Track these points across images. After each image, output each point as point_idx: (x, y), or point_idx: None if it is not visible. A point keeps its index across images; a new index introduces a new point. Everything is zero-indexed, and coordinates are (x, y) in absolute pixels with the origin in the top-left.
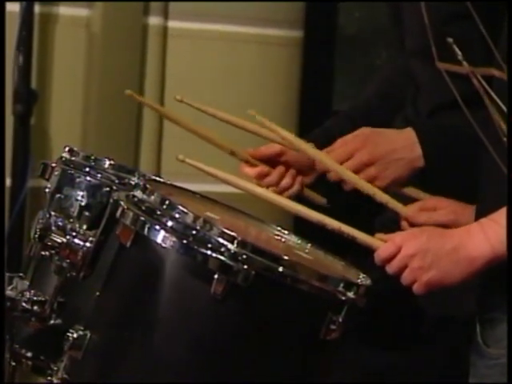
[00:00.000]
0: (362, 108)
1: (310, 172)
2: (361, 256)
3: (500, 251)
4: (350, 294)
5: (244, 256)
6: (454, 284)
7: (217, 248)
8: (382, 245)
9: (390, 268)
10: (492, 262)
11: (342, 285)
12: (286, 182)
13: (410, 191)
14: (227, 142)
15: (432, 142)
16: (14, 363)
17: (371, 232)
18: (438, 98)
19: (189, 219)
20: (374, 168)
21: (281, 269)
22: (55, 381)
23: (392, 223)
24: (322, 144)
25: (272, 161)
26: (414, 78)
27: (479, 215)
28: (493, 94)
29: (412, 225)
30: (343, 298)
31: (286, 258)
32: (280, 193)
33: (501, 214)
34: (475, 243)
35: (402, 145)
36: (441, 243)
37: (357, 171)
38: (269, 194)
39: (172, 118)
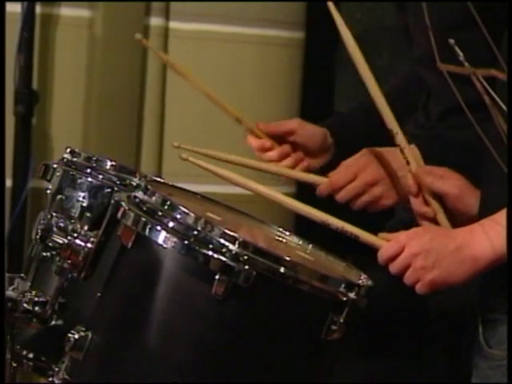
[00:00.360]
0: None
1: (319, 156)
2: (362, 257)
3: (501, 252)
4: (352, 295)
5: (245, 257)
6: (458, 284)
7: (218, 249)
8: (385, 244)
9: (393, 267)
10: (494, 263)
11: (343, 285)
12: (287, 162)
13: None
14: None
15: (436, 159)
16: (15, 364)
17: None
18: (448, 103)
19: (190, 220)
20: (378, 187)
21: (282, 269)
22: (56, 381)
23: (403, 226)
24: (336, 132)
25: (280, 138)
26: (424, 83)
27: (482, 216)
28: (494, 94)
29: (416, 182)
30: (344, 299)
31: (287, 258)
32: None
33: (502, 215)
34: (478, 243)
35: (405, 162)
36: (444, 243)
37: (361, 192)
38: (272, 193)
39: (181, 71)
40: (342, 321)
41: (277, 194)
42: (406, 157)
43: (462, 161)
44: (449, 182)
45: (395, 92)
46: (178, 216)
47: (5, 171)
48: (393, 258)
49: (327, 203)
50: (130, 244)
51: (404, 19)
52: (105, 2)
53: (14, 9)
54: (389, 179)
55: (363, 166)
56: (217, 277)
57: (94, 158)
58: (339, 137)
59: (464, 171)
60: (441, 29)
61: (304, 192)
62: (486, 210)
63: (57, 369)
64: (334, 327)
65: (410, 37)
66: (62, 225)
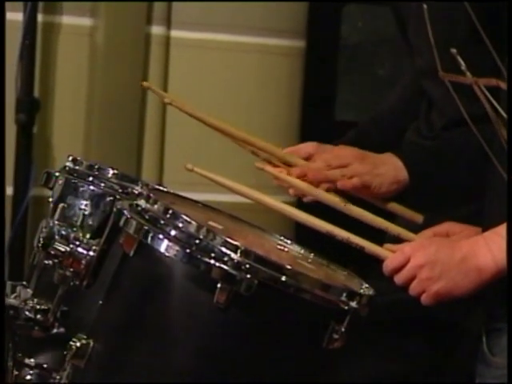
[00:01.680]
0: (378, 123)
1: None
2: (364, 266)
3: (502, 264)
4: (353, 304)
5: (247, 265)
6: (463, 295)
7: (220, 257)
8: (391, 255)
9: (399, 278)
10: (497, 275)
11: (344, 294)
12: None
13: (394, 207)
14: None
15: (412, 158)
16: (16, 372)
17: (380, 242)
18: (452, 115)
19: (192, 228)
20: (359, 165)
21: (284, 278)
22: None
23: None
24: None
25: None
26: (426, 94)
27: (486, 228)
28: (496, 104)
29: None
30: (346, 308)
31: (288, 267)
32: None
33: (504, 227)
34: (481, 255)
35: (385, 157)
36: (450, 254)
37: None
38: (276, 204)
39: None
40: (343, 329)
41: (281, 205)
42: (406, 239)
43: (439, 160)
44: (456, 237)
45: (399, 107)
46: (180, 224)
47: (5, 180)
48: (398, 269)
49: (329, 213)
50: (132, 252)
51: (406, 33)
52: (106, 10)
53: (15, 17)
54: (370, 162)
55: (341, 149)
56: (218, 285)
57: (96, 167)
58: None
59: (443, 169)
60: (445, 42)
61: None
62: (490, 222)
63: (58, 377)
64: (335, 336)
65: (411, 48)
66: (64, 233)
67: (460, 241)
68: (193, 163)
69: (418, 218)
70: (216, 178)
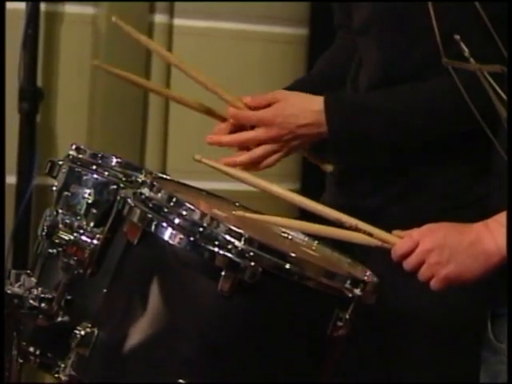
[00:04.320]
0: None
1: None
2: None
3: (505, 252)
4: (357, 291)
5: (251, 253)
6: (472, 279)
7: (224, 245)
8: (399, 241)
9: (408, 264)
10: (501, 262)
11: (348, 282)
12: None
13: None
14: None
15: (336, 111)
16: (21, 360)
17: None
18: (376, 76)
19: (196, 216)
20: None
21: (288, 266)
22: (62, 378)
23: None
24: None
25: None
26: (357, 54)
27: (492, 214)
28: (500, 90)
29: None
30: (350, 295)
31: (293, 254)
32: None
33: (504, 215)
34: (486, 242)
35: (303, 112)
36: (458, 238)
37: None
38: (285, 193)
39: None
40: (347, 317)
41: (290, 194)
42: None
43: (365, 117)
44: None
45: (326, 72)
46: (184, 212)
47: (5, 169)
48: (407, 255)
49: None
50: (135, 240)
51: None
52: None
53: (18, 6)
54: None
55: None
56: (223, 273)
57: (100, 155)
58: None
59: (366, 128)
60: None
61: (309, 188)
62: (495, 208)
63: (63, 365)
64: (339, 323)
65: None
66: (67, 221)
67: (467, 225)
68: (196, 151)
69: (327, 167)
70: (224, 168)
